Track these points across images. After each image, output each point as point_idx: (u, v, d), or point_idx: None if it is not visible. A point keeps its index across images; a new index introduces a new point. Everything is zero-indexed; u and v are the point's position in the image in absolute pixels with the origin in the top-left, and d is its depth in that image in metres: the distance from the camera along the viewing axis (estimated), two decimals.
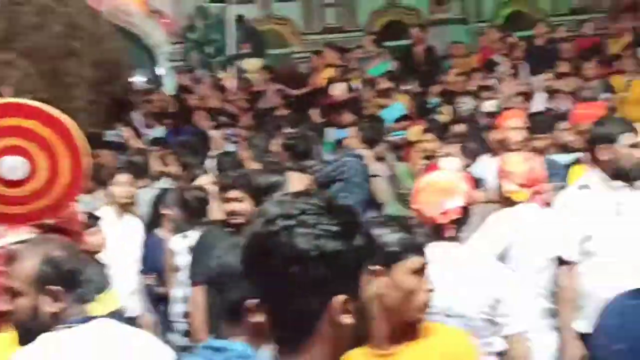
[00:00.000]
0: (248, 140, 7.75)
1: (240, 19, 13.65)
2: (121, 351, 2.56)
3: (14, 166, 3.76)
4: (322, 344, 1.45)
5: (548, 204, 4.23)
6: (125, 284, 5.31)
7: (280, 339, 1.49)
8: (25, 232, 3.94)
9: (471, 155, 6.33)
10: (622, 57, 10.48)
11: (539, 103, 9.41)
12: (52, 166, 3.84)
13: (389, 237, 2.37)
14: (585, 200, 4.03)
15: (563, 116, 7.08)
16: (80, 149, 3.93)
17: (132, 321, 5.49)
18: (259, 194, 3.91)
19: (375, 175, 6.68)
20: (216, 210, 5.09)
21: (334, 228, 1.43)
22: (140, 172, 6.47)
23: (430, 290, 2.44)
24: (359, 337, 1.52)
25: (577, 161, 5.74)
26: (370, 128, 7.17)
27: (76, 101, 5.80)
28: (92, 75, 5.27)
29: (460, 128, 7.80)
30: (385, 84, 9.78)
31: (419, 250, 2.43)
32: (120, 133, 8.72)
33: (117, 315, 4.98)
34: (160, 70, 15.70)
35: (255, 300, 2.25)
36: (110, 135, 8.44)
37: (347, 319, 1.44)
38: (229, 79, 12.36)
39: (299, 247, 1.42)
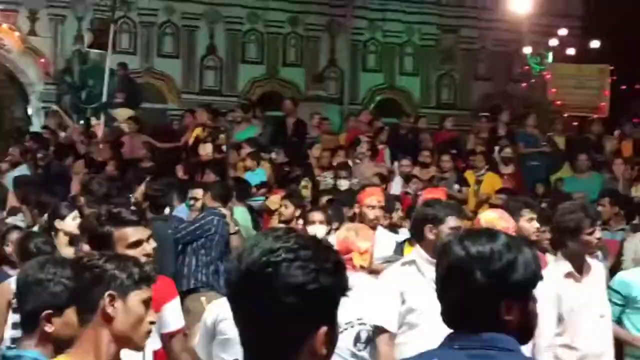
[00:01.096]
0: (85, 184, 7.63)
1: (121, 67, 13.65)
2: None
3: None
4: None
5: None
6: None
7: None
8: None
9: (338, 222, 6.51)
10: (476, 153, 11.16)
11: (397, 185, 9.91)
12: None
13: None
14: (408, 275, 4.32)
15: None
16: None
17: None
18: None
19: (235, 233, 6.91)
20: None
21: (329, 265, 1.57)
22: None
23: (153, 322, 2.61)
24: None
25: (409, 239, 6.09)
26: (222, 187, 7.37)
27: None
28: None
29: (324, 200, 8.06)
30: (248, 149, 10.03)
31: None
32: None
33: None
34: (30, 110, 15.38)
35: (49, 311, 2.58)
36: None
37: (324, 349, 1.56)
38: (98, 126, 12.30)
39: (298, 279, 1.53)
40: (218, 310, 3.93)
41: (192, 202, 7.54)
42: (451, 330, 2.03)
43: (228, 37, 16.17)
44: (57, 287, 2.69)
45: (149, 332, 2.56)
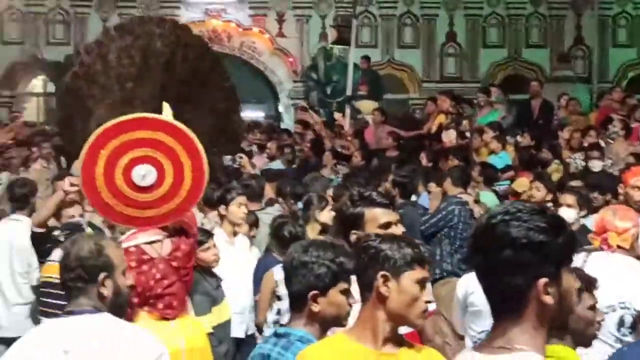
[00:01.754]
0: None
1: (364, 60, 14.00)
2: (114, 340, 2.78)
3: (144, 174, 4.13)
4: (531, 317, 1.82)
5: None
6: (235, 303, 5.46)
7: (495, 309, 1.87)
8: (153, 234, 4.30)
9: (587, 207, 6.25)
10: None
11: None
12: (177, 174, 4.20)
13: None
14: None
15: None
16: (202, 158, 4.28)
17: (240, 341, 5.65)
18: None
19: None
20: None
21: (542, 224, 1.82)
22: (254, 195, 6.73)
23: (429, 302, 2.64)
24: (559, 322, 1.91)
25: None
26: (461, 172, 7.29)
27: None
28: (207, 123, 5.56)
29: (576, 183, 7.73)
30: (492, 133, 9.85)
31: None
32: (238, 159, 9.07)
33: (227, 326, 5.20)
34: (281, 107, 16.22)
35: (315, 292, 2.72)
36: (227, 160, 8.87)
37: (548, 299, 1.80)
38: (341, 120, 12.69)
39: (511, 235, 1.81)
40: (467, 284, 4.01)
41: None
42: None
43: (468, 23, 16.02)
44: (321, 269, 2.82)
45: (425, 311, 2.61)
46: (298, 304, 2.87)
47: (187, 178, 4.23)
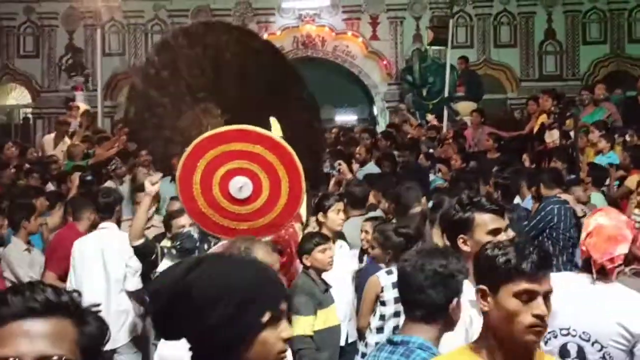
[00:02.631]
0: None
1: (462, 61, 13.80)
2: None
3: (241, 186, 4.11)
4: None
5: None
6: (337, 310, 5.26)
7: None
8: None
9: None
10: None
11: None
12: (273, 188, 4.15)
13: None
14: None
15: None
16: (300, 175, 4.22)
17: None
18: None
19: (583, 216, 6.55)
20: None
21: None
22: (356, 201, 6.64)
23: (537, 316, 2.41)
24: None
25: None
26: (551, 173, 7.07)
27: None
28: (287, 135, 5.46)
29: None
30: (599, 132, 9.51)
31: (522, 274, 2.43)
32: (337, 166, 8.99)
33: (334, 332, 5.14)
34: (375, 110, 16.15)
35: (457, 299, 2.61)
36: (326, 167, 8.85)
37: None
38: (435, 121, 12.53)
39: None
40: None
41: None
42: None
43: (567, 19, 15.59)
44: (460, 277, 2.79)
45: (532, 325, 2.42)
46: (429, 312, 2.76)
47: (283, 193, 4.18)
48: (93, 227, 6.30)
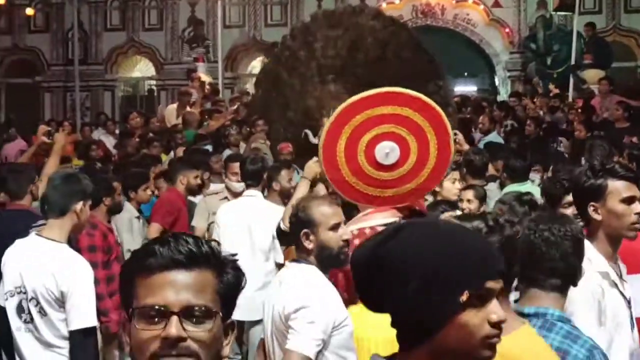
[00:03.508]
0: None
1: (589, 28, 13.27)
2: None
3: (388, 152, 4.01)
4: None
5: None
6: None
7: None
8: (390, 215, 4.18)
9: None
10: None
11: None
12: (421, 152, 4.03)
13: None
14: None
15: None
16: (449, 135, 4.09)
17: None
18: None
19: None
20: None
21: None
22: (476, 170, 6.49)
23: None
24: None
25: None
26: None
27: None
28: None
29: None
30: None
31: None
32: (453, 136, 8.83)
33: None
34: (497, 80, 15.75)
35: None
36: None
37: None
38: (556, 90, 12.10)
39: None
40: None
41: None
42: None
43: None
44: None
45: None
46: (565, 282, 2.65)
47: (432, 156, 4.04)
48: (189, 190, 6.37)
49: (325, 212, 3.32)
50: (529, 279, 2.71)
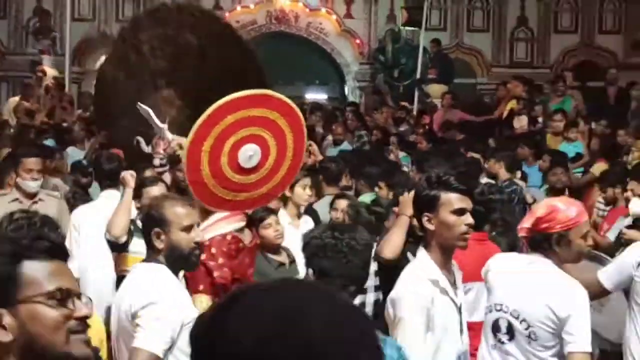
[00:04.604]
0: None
1: (434, 44, 13.80)
2: None
3: (252, 154, 3.98)
4: None
5: None
6: None
7: None
8: (236, 220, 4.15)
9: None
10: None
11: None
12: (279, 157, 4.04)
13: None
14: None
15: None
16: (304, 143, 4.13)
17: None
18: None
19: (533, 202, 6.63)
20: None
21: None
22: (332, 178, 6.57)
23: None
24: None
25: None
26: (512, 157, 7.13)
27: None
28: None
29: None
30: (564, 120, 9.60)
31: None
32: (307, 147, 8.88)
33: None
34: (346, 89, 16.09)
35: None
36: None
37: None
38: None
39: None
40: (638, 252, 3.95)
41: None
42: None
43: (540, 7, 15.65)
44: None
45: None
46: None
47: (286, 162, 4.08)
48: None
49: (178, 212, 3.26)
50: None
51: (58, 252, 1.75)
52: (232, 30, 6.74)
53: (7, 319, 1.64)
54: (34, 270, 1.69)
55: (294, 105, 4.08)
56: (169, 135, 5.10)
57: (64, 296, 1.69)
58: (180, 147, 4.49)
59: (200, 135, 3.89)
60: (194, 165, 3.92)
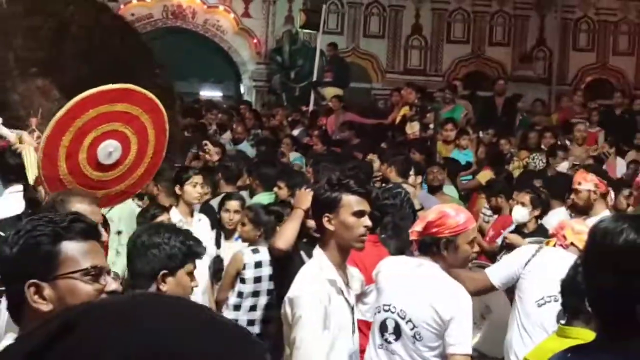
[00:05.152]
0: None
1: (331, 47, 13.95)
2: None
3: (112, 150, 3.91)
4: None
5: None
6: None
7: None
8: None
9: (541, 207, 6.29)
10: None
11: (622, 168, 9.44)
12: (139, 154, 3.98)
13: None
14: None
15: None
16: (165, 142, 4.09)
17: None
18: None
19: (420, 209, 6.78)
20: None
21: None
22: (231, 177, 6.54)
23: None
24: None
25: None
26: (405, 162, 7.28)
27: None
28: None
29: (537, 182, 7.78)
30: (455, 129, 9.91)
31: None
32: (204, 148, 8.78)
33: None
34: (242, 88, 16.07)
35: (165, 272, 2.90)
36: (193, 148, 8.71)
37: None
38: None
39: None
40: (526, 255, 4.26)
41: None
42: None
43: (434, 17, 16.07)
44: (173, 250, 3.01)
45: None
46: (145, 282, 2.95)
47: (146, 159, 4.03)
48: None
49: (82, 210, 3.14)
50: None
51: (92, 232, 1.97)
52: (123, 21, 6.57)
53: (48, 292, 1.85)
54: (72, 249, 1.91)
55: (158, 102, 4.03)
56: (5, 131, 4.83)
57: (97, 273, 1.92)
58: (20, 140, 4.34)
59: (60, 128, 3.79)
60: (51, 159, 3.82)
